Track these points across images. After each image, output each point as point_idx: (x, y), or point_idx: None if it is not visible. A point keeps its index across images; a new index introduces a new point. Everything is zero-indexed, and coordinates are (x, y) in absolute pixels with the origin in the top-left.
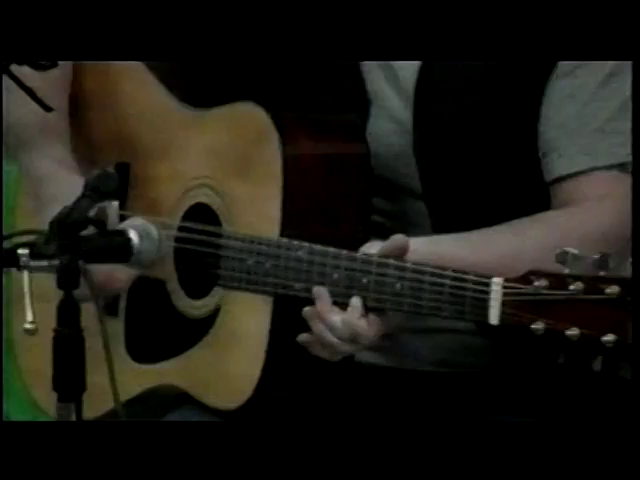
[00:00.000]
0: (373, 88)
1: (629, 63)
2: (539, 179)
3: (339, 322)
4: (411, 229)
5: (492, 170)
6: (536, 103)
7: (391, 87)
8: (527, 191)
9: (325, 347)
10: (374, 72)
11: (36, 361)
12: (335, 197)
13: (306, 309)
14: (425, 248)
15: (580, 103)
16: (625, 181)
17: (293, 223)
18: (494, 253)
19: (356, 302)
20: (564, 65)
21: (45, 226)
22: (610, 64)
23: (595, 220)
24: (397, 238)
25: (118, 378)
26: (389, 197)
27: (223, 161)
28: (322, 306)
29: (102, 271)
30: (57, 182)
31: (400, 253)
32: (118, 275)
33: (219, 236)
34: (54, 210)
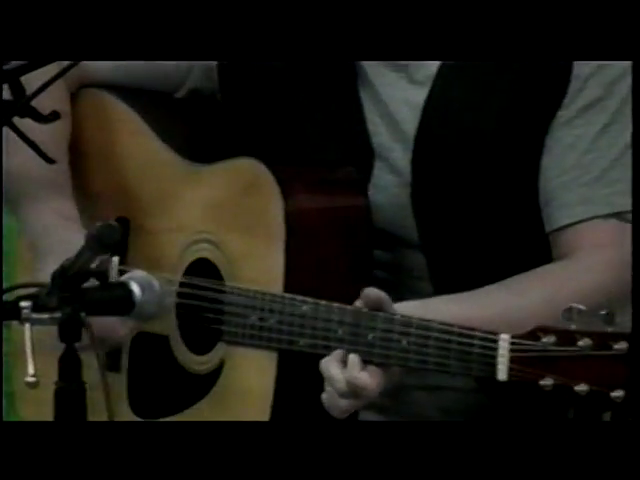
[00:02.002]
0: (377, 141)
1: (629, 111)
2: (539, 230)
3: (339, 376)
4: (411, 282)
5: (491, 222)
6: (537, 156)
7: (393, 139)
8: (527, 242)
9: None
10: (378, 125)
11: (38, 414)
12: (337, 252)
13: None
14: (413, 313)
15: (579, 152)
16: (624, 230)
17: (296, 278)
18: (487, 312)
19: (353, 358)
20: (563, 115)
21: (42, 278)
22: (609, 112)
23: (589, 270)
24: (369, 291)
25: None
26: (389, 249)
27: (224, 216)
28: (323, 361)
29: (104, 321)
30: (56, 235)
31: (375, 307)
32: (119, 324)
33: (222, 292)
34: (51, 263)
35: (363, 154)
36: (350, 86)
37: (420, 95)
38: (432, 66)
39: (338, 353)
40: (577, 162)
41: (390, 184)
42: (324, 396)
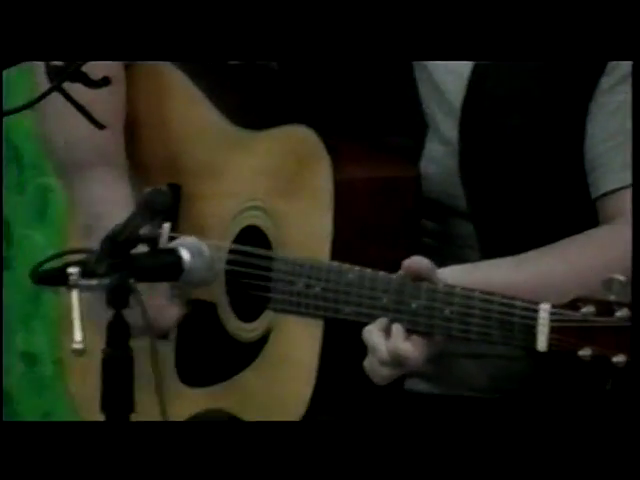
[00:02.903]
0: (428, 112)
1: None
2: (586, 196)
3: (382, 345)
4: (460, 250)
5: (539, 189)
6: (581, 122)
7: (442, 109)
8: (575, 208)
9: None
10: (428, 96)
11: (85, 381)
12: (385, 220)
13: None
14: (458, 278)
15: (622, 118)
16: None
17: (344, 245)
18: (531, 277)
19: (397, 328)
20: (605, 82)
21: (94, 247)
22: None
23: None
24: (410, 262)
25: (168, 401)
26: (438, 219)
27: (274, 183)
28: (366, 329)
29: (152, 307)
30: (108, 204)
31: (417, 276)
32: (168, 311)
33: (270, 259)
34: (103, 232)
35: (416, 125)
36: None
37: (465, 66)
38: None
39: (381, 321)
40: (621, 127)
41: (441, 154)
42: (366, 363)
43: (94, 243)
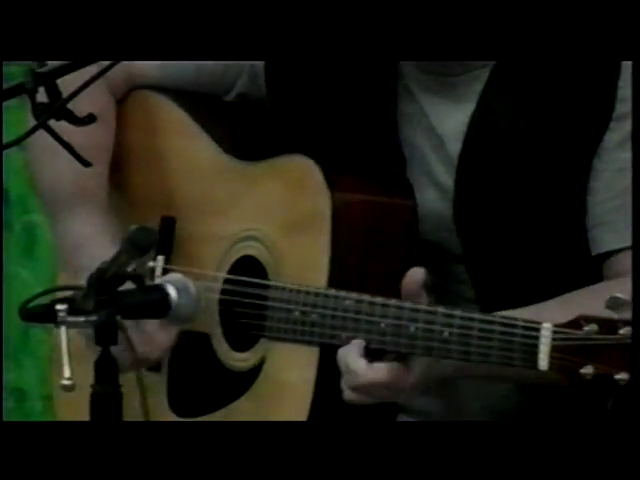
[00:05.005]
0: (419, 155)
1: None
2: (580, 248)
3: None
4: (455, 286)
5: (533, 241)
6: (582, 177)
7: (436, 155)
8: (568, 259)
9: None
10: (420, 138)
11: (75, 417)
12: (383, 248)
13: None
14: None
15: (629, 177)
16: None
17: (341, 274)
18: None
19: (357, 342)
20: (612, 139)
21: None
22: None
23: None
24: (413, 271)
25: None
26: (432, 259)
27: (271, 212)
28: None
29: (143, 336)
30: (87, 251)
31: (416, 288)
32: (159, 340)
33: (266, 288)
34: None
35: (396, 164)
36: (389, 99)
37: (464, 112)
38: (477, 84)
39: (356, 343)
40: (627, 186)
41: (432, 197)
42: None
43: (72, 278)
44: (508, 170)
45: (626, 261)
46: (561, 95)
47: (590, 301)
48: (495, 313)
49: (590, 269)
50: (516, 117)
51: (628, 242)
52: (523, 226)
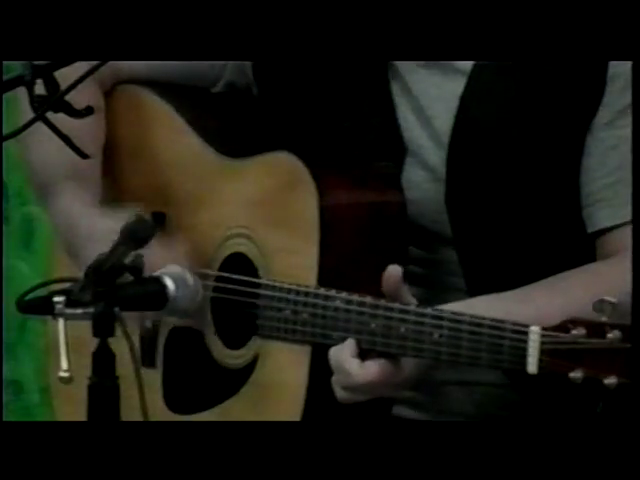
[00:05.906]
0: (408, 136)
1: None
2: (574, 228)
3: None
4: (445, 277)
5: (525, 220)
6: (575, 155)
7: (426, 135)
8: (561, 239)
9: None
10: (410, 120)
11: (72, 409)
12: (372, 246)
13: None
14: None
15: (623, 153)
16: None
17: (330, 272)
18: (529, 311)
19: (350, 342)
20: (604, 116)
21: (84, 269)
22: None
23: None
24: (391, 268)
25: None
26: (422, 245)
27: (259, 210)
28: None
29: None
30: (91, 222)
31: (394, 286)
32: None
33: (257, 286)
34: (91, 250)
35: (394, 149)
36: (381, 80)
37: (453, 91)
38: (466, 62)
39: (348, 343)
40: (621, 163)
41: (422, 180)
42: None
43: (82, 266)
44: (500, 151)
45: (621, 238)
46: (553, 72)
47: (576, 290)
48: (480, 296)
49: (582, 252)
50: (506, 97)
51: (623, 219)
52: (515, 206)
